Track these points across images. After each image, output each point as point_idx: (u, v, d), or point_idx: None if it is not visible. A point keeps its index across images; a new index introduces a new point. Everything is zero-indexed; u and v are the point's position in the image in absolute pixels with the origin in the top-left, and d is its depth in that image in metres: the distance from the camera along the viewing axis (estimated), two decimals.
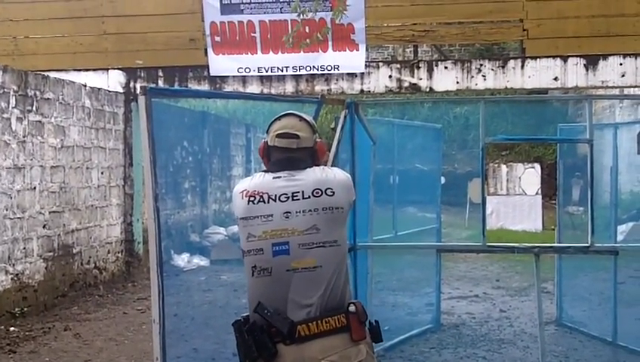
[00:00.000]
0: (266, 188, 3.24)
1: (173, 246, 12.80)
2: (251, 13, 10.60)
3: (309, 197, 3.19)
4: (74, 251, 9.84)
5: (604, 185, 9.68)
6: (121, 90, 11.26)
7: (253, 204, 3.22)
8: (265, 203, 3.20)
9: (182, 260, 12.53)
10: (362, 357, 3.15)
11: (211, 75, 10.96)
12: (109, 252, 10.85)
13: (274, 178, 3.26)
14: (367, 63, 10.90)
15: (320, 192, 3.20)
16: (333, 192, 3.22)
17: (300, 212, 3.17)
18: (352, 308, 3.16)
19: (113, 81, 11.25)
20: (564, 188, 9.53)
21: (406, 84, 10.82)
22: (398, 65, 10.97)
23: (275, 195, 3.20)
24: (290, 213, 3.17)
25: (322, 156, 3.45)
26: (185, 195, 14.43)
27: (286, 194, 3.20)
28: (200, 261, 12.78)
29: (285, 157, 3.32)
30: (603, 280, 8.47)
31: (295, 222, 3.16)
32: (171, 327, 7.93)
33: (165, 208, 13.22)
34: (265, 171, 3.36)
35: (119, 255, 11.18)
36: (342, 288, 3.20)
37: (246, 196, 3.25)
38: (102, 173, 10.68)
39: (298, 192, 3.20)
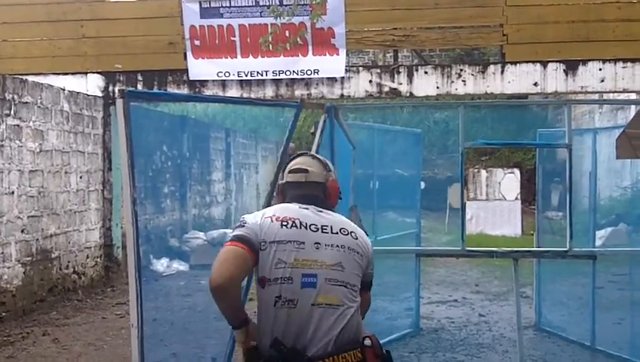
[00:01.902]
0: (297, 215, 3.16)
1: (152, 251, 12.73)
2: (231, 17, 10.57)
3: (337, 233, 3.14)
4: (52, 256, 9.75)
5: (584, 190, 9.72)
6: (100, 94, 11.20)
7: (287, 228, 3.10)
8: (297, 228, 3.11)
9: (161, 265, 12.47)
10: None
11: (191, 79, 10.92)
12: (87, 257, 10.77)
13: (300, 208, 3.20)
14: (348, 68, 10.91)
15: (346, 232, 3.16)
16: (357, 237, 3.19)
17: (328, 246, 3.10)
18: (367, 341, 3.12)
19: (92, 85, 11.18)
20: (544, 194, 9.58)
21: (386, 89, 10.83)
22: (379, 70, 10.98)
23: (307, 223, 3.13)
24: (320, 244, 3.10)
25: (335, 196, 3.39)
26: (164, 200, 14.35)
27: (316, 225, 3.14)
28: (179, 266, 12.72)
29: (299, 193, 3.29)
30: (581, 284, 8.51)
31: (324, 254, 3.09)
32: (150, 332, 7.89)
33: (144, 213, 13.15)
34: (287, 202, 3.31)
35: (98, 260, 11.10)
36: (358, 323, 3.16)
37: (277, 220, 3.12)
38: (80, 177, 10.60)
39: (327, 226, 3.15)
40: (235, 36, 10.59)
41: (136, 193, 4.02)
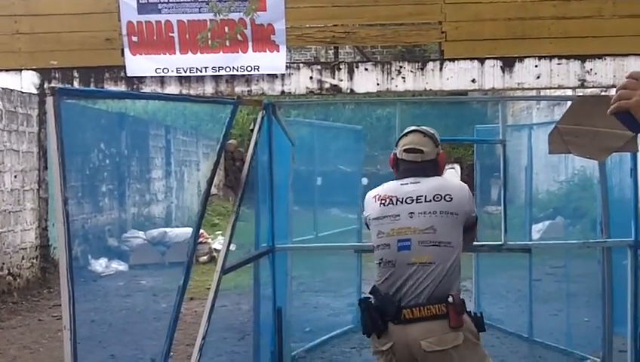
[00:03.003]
0: (395, 192, 3.82)
1: (90, 251, 12.55)
2: (169, 13, 10.44)
3: (430, 201, 3.72)
4: None
5: (521, 184, 9.87)
6: (35, 92, 10.96)
7: (384, 206, 3.80)
8: (394, 205, 3.77)
9: (99, 265, 12.29)
10: (459, 342, 3.61)
11: (128, 75, 10.76)
12: (23, 258, 10.53)
13: (401, 184, 3.85)
14: (289, 64, 10.87)
15: (440, 197, 3.73)
16: (452, 198, 3.74)
17: (421, 213, 3.71)
18: (450, 299, 3.63)
19: (27, 82, 10.94)
20: (483, 188, 9.70)
21: (327, 86, 10.83)
22: (319, 67, 10.98)
23: (403, 198, 3.77)
24: (413, 213, 3.72)
25: (443, 166, 3.99)
26: (102, 199, 14.13)
27: (411, 196, 3.76)
28: (118, 266, 12.57)
29: (411, 168, 3.89)
30: (519, 277, 8.65)
31: (417, 221, 3.70)
32: (88, 334, 7.81)
33: (82, 212, 12.95)
34: (394, 179, 3.94)
35: (34, 261, 10.87)
36: (450, 283, 3.69)
37: (379, 200, 3.84)
38: (15, 176, 10.37)
39: (422, 195, 3.74)
40: (173, 32, 10.47)
41: (68, 192, 3.92)
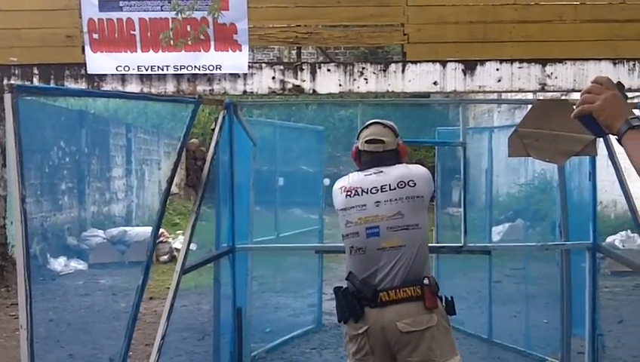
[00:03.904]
0: (360, 183, 3.96)
1: (49, 250, 12.41)
2: (131, 11, 10.33)
3: (395, 188, 3.88)
4: None
5: (482, 187, 9.95)
6: None
7: (350, 197, 3.95)
8: (359, 195, 3.92)
9: (59, 264, 12.16)
10: (433, 323, 3.78)
11: (89, 73, 10.62)
12: None
13: (365, 175, 3.99)
14: (251, 64, 10.82)
15: (403, 184, 3.89)
16: (415, 183, 3.91)
17: (387, 201, 3.86)
18: (426, 281, 3.81)
19: None
20: (444, 190, 9.75)
21: (289, 86, 10.80)
22: (282, 67, 10.95)
23: (368, 188, 3.92)
24: (379, 202, 3.87)
25: (404, 155, 4.13)
26: (62, 197, 13.98)
27: (376, 186, 3.91)
28: (78, 265, 12.44)
29: (373, 158, 4.04)
30: (479, 279, 8.71)
31: (384, 209, 3.86)
32: (46, 333, 7.72)
33: (41, 210, 12.80)
34: (358, 170, 4.08)
35: None
36: (421, 264, 3.88)
37: (344, 191, 3.99)
38: None
39: (386, 185, 3.90)
40: (135, 30, 10.36)
41: (26, 190, 3.88)
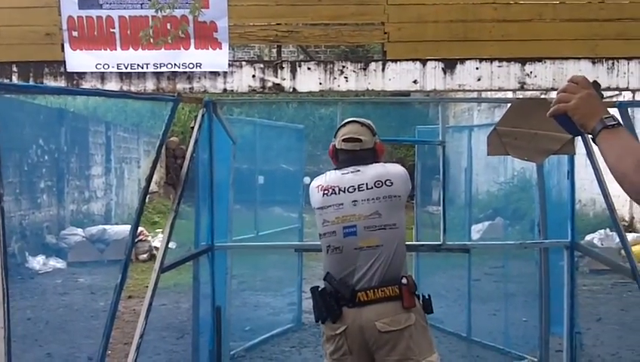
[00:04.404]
0: (337, 182, 3.94)
1: (28, 248, 12.32)
2: (110, 9, 10.26)
3: (372, 187, 3.86)
4: None
5: (462, 185, 9.99)
6: None
7: (327, 196, 3.93)
8: (336, 194, 3.90)
9: (37, 262, 12.08)
10: (411, 322, 3.78)
11: (68, 70, 10.54)
12: None
13: (342, 174, 3.97)
14: (231, 62, 10.78)
15: (380, 183, 3.87)
16: (392, 183, 3.89)
17: (364, 200, 3.85)
18: (404, 280, 3.79)
19: None
20: (424, 189, 9.78)
21: (269, 84, 10.77)
22: (262, 65, 10.92)
23: (345, 187, 3.90)
24: (357, 201, 3.86)
25: (381, 154, 4.13)
26: (40, 195, 13.88)
27: (353, 186, 3.89)
28: (56, 263, 12.37)
29: (350, 157, 4.03)
30: (458, 277, 8.75)
31: (361, 208, 3.84)
32: (24, 332, 7.66)
33: (19, 208, 12.72)
34: (335, 169, 4.07)
35: None
36: (399, 263, 3.86)
37: (321, 190, 3.97)
38: None
39: (363, 184, 3.88)
40: (114, 27, 10.30)
41: (5, 189, 3.85)
